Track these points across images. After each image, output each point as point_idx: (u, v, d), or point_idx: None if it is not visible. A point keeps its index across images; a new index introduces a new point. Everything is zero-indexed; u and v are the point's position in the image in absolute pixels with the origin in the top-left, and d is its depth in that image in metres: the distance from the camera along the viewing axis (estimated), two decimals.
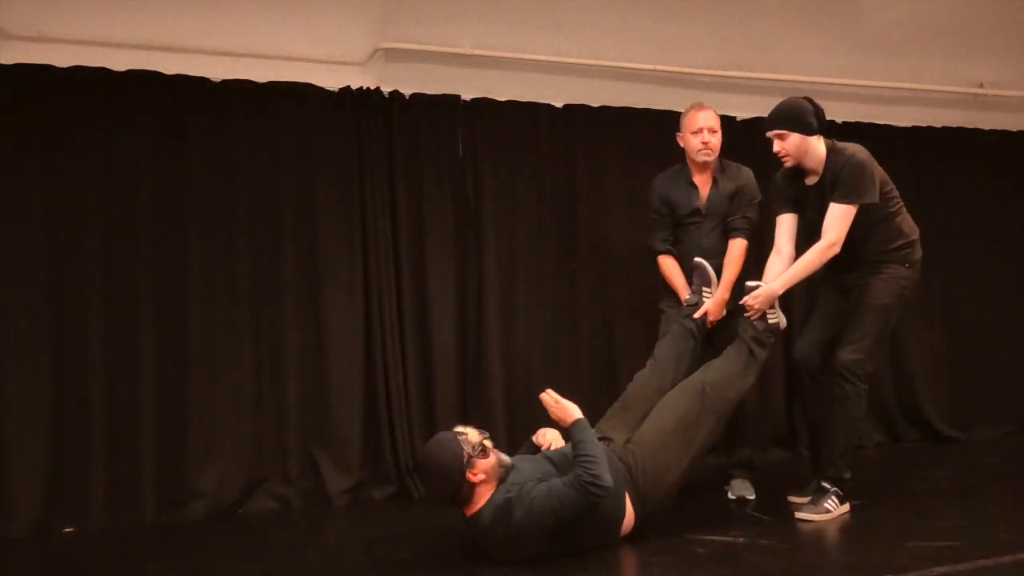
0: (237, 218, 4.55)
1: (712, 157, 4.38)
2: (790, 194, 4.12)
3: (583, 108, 5.22)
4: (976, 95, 6.12)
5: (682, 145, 4.45)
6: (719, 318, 4.26)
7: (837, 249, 3.90)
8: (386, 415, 4.70)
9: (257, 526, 4.25)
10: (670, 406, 3.81)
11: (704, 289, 4.22)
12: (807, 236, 4.08)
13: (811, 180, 4.04)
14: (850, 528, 3.85)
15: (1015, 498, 4.22)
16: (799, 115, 3.94)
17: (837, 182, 3.91)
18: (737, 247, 4.34)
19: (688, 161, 4.46)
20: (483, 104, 5.01)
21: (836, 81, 5.70)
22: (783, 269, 4.03)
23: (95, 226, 4.29)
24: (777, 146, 3.99)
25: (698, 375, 3.93)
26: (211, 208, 4.50)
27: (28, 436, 4.13)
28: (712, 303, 4.21)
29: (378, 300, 4.73)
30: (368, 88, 4.77)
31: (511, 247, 5.06)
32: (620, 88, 5.32)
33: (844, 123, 5.76)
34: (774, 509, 4.09)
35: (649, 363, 4.10)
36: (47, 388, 4.18)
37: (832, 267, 3.99)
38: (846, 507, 3.97)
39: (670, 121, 5.35)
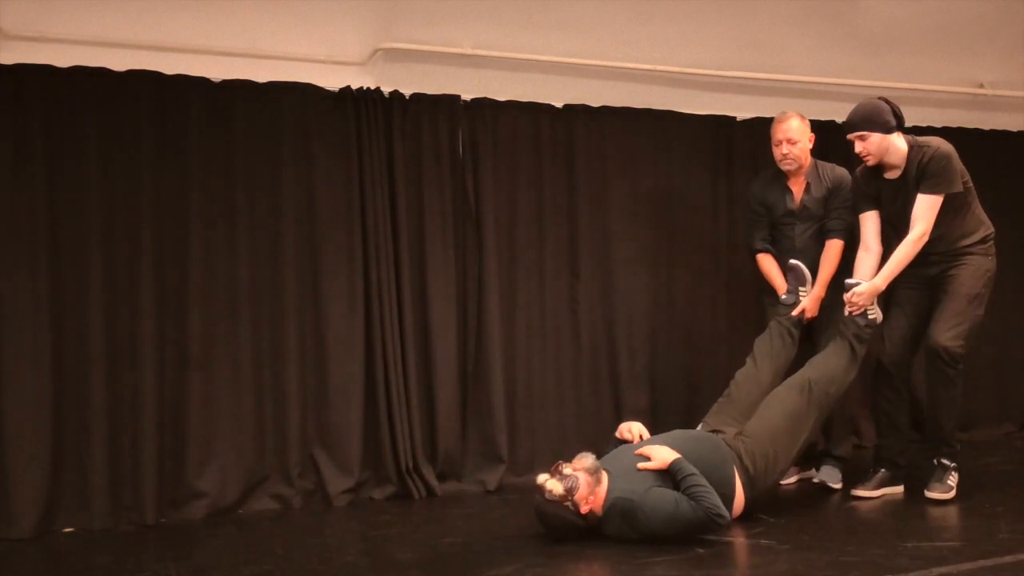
0: (237, 218, 4.54)
1: (795, 166, 4.57)
2: (871, 191, 4.29)
3: (583, 108, 5.22)
4: (976, 95, 6.12)
5: None
6: (815, 315, 4.46)
7: (927, 238, 4.08)
8: (386, 415, 4.70)
9: (257, 526, 4.25)
10: (778, 402, 4.06)
11: (800, 288, 4.45)
12: (888, 230, 4.25)
13: (891, 175, 4.20)
14: (850, 528, 3.85)
15: (1015, 498, 4.22)
16: (878, 115, 4.13)
17: (924, 175, 4.08)
18: (833, 247, 4.51)
19: None
20: (483, 104, 5.01)
21: (836, 81, 5.70)
22: (873, 265, 4.22)
23: (95, 226, 4.28)
24: (859, 147, 4.17)
25: (804, 372, 4.16)
26: (211, 208, 4.49)
27: (29, 436, 4.13)
28: (809, 300, 4.45)
29: (378, 300, 4.72)
30: (368, 88, 4.77)
31: (511, 247, 5.06)
32: (620, 88, 5.32)
33: (845, 123, 5.75)
34: (774, 509, 4.09)
35: (748, 360, 4.38)
36: (48, 388, 4.18)
37: (913, 262, 4.14)
38: (956, 476, 4.24)
39: (670, 121, 5.40)
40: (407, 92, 4.86)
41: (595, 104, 5.25)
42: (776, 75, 5.61)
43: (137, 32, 4.44)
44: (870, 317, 4.22)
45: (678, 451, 3.66)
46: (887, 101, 4.17)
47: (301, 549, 3.82)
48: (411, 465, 4.71)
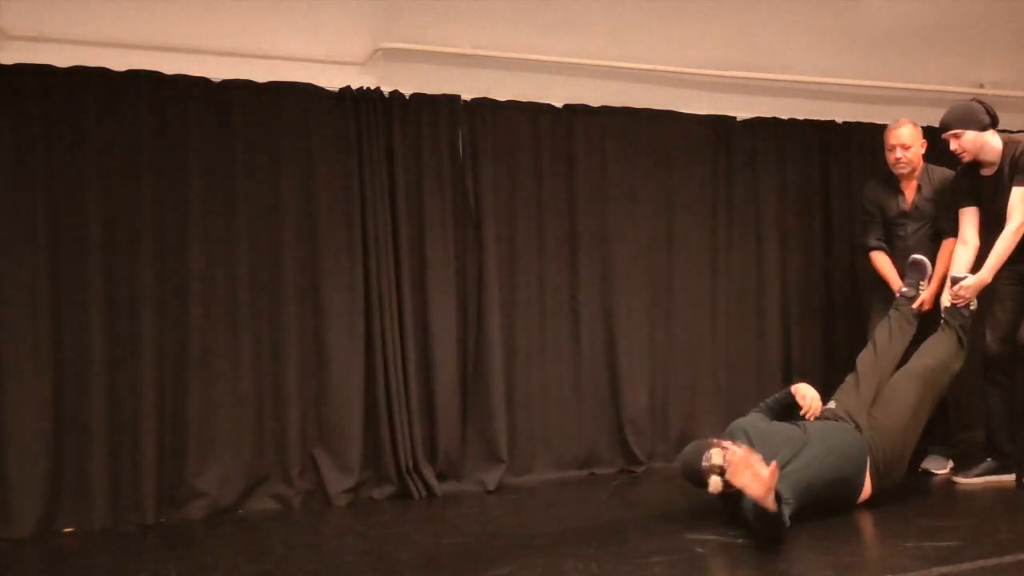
0: (237, 218, 4.54)
1: (907, 170, 4.83)
2: (968, 187, 4.50)
3: (583, 108, 5.21)
4: (976, 95, 6.11)
5: None
6: (931, 308, 4.72)
7: None
8: (386, 415, 4.70)
9: (257, 526, 4.25)
10: (901, 394, 4.25)
11: (920, 282, 4.73)
12: (986, 225, 4.46)
13: (987, 171, 4.41)
14: (850, 528, 3.85)
15: (1015, 498, 4.22)
16: (970, 114, 4.37)
17: (1017, 168, 4.28)
18: (949, 246, 4.75)
19: None
20: (483, 104, 5.01)
21: (836, 81, 5.70)
22: (969, 258, 4.47)
23: (95, 226, 4.28)
24: (954, 145, 4.40)
25: (922, 361, 4.39)
26: (211, 208, 4.49)
27: (28, 436, 4.13)
28: (928, 294, 4.71)
29: (378, 300, 4.72)
30: (368, 88, 4.77)
31: (511, 247, 5.06)
32: (620, 88, 5.32)
33: (844, 123, 5.76)
34: None
35: (869, 345, 4.59)
36: (48, 388, 4.17)
37: (1010, 258, 4.35)
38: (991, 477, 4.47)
39: (670, 121, 5.40)
40: (407, 92, 4.86)
41: (595, 104, 5.24)
42: (776, 75, 5.62)
43: (137, 32, 4.44)
44: (972, 308, 4.45)
45: (825, 446, 3.85)
46: (980, 102, 4.42)
47: (301, 549, 3.82)
48: (411, 465, 4.71)
